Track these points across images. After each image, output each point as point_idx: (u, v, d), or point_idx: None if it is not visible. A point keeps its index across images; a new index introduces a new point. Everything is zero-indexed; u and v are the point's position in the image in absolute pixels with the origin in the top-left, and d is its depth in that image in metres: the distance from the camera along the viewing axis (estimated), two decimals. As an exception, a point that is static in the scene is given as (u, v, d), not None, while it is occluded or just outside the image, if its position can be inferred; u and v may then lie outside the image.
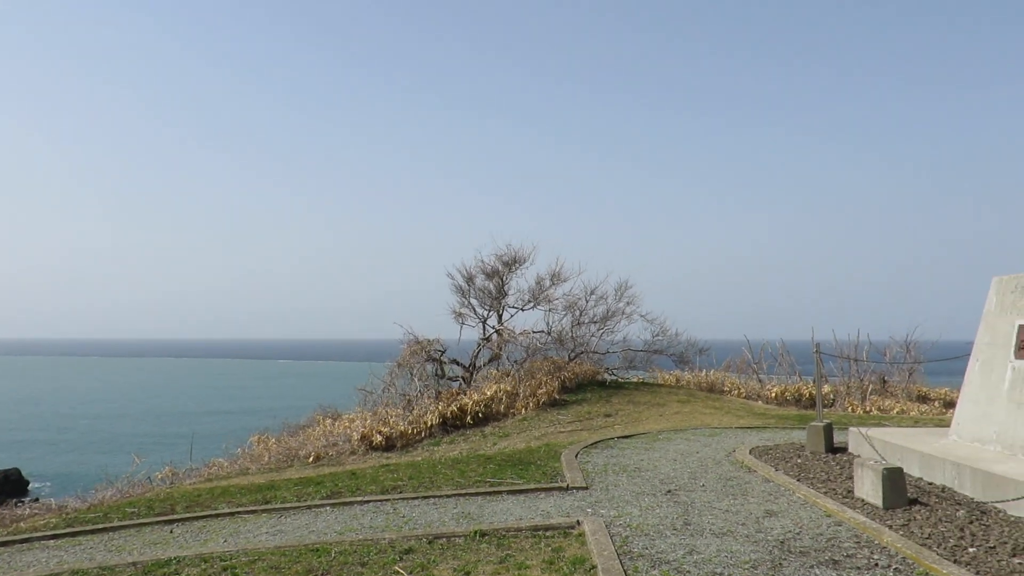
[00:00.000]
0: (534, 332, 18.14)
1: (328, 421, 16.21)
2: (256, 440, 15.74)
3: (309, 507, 7.62)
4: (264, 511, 7.60)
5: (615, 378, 18.60)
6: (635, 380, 19.14)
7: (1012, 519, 5.95)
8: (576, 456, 9.69)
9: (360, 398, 17.77)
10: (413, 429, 14.18)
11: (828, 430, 9.31)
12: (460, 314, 18.43)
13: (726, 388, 18.69)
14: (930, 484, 7.28)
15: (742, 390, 18.46)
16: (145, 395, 72.35)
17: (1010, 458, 7.02)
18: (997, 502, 6.26)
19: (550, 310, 18.64)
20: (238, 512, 7.61)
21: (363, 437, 13.64)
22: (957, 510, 6.28)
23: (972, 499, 6.60)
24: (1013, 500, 6.05)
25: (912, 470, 7.73)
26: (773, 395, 17.65)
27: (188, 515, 7.59)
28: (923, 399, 18.14)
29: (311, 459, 12.96)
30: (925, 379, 20.32)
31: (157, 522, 7.43)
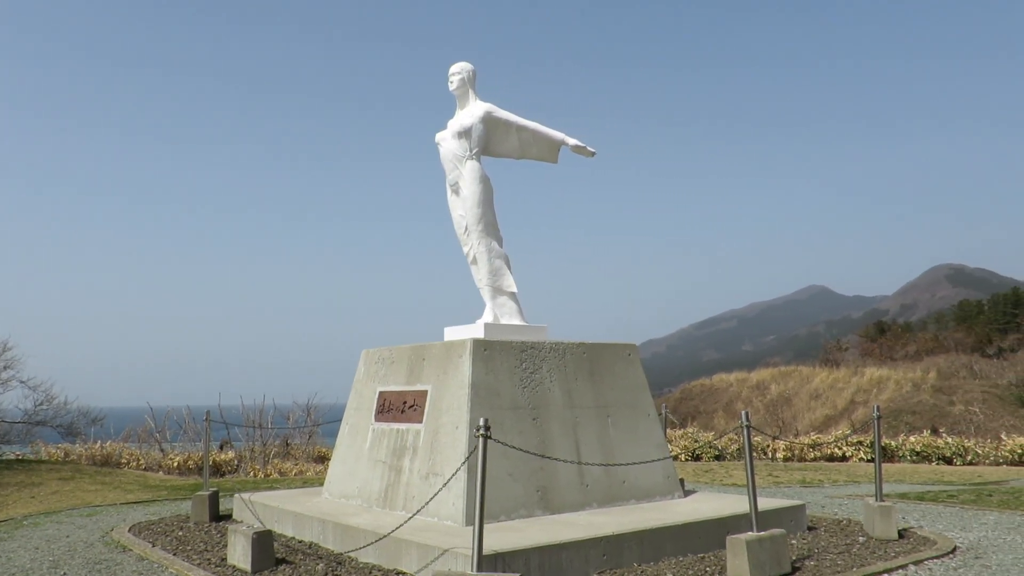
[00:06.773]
0: None
1: None
2: None
3: None
4: None
5: (-16, 457, 15.75)
6: (12, 457, 16.49)
7: (362, 565, 6.69)
8: (-100, 559, 7.80)
9: None
10: None
11: (213, 498, 9.28)
12: None
13: (124, 460, 17.36)
14: (300, 542, 7.77)
15: (142, 461, 17.37)
16: None
17: (366, 511, 7.93)
18: (351, 551, 6.98)
19: None
20: None
21: None
22: (318, 564, 6.80)
23: (333, 551, 7.24)
24: (363, 548, 6.79)
25: (287, 530, 8.16)
26: (175, 465, 16.99)
27: None
28: (321, 459, 19.45)
29: None
30: (324, 440, 21.83)
31: None
